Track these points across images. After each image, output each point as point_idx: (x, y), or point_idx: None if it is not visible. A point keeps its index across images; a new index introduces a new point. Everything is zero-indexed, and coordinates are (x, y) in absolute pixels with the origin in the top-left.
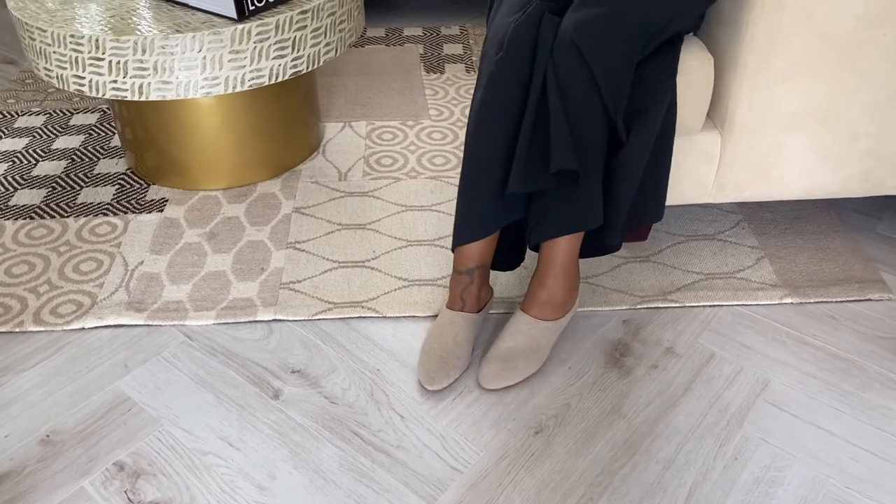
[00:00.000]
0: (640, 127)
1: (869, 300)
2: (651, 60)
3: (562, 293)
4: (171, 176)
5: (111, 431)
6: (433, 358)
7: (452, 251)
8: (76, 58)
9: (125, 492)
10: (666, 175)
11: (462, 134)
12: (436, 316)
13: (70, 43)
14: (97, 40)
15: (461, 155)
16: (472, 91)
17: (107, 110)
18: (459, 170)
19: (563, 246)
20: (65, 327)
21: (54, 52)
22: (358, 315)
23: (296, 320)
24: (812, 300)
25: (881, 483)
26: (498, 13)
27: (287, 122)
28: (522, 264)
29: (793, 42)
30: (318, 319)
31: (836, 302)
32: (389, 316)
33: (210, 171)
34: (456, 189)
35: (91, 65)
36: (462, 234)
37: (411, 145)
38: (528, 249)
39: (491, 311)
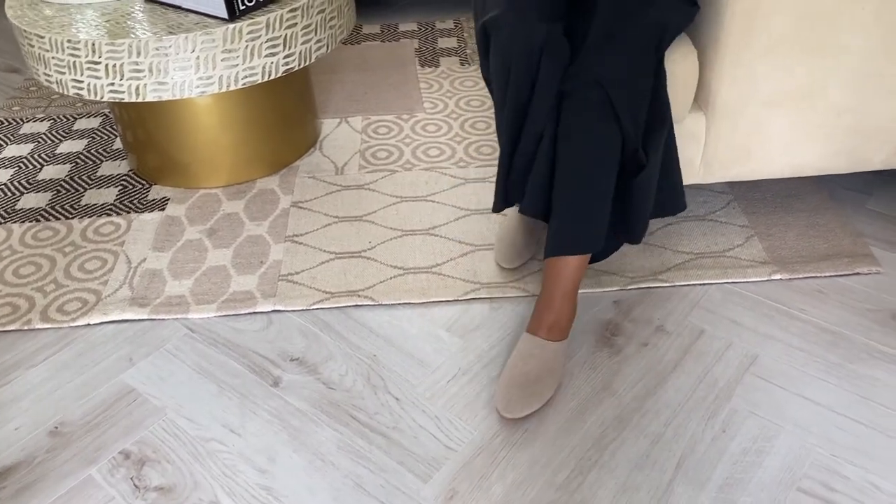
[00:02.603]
0: (656, 144)
1: (858, 274)
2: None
3: (567, 315)
4: (171, 175)
5: (117, 422)
6: (507, 244)
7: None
8: (74, 62)
9: (131, 478)
10: (677, 168)
11: (455, 125)
12: (437, 301)
13: (67, 48)
14: (93, 44)
15: (455, 146)
16: (466, 83)
17: (108, 114)
18: (452, 161)
19: (572, 269)
20: (71, 324)
21: (53, 58)
22: (354, 304)
23: (294, 310)
24: (801, 275)
25: (867, 451)
26: None
27: (283, 119)
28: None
29: (772, 19)
30: (316, 309)
31: (825, 277)
32: (385, 303)
33: (209, 170)
34: (449, 179)
35: (88, 68)
36: (495, 202)
37: (406, 138)
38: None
39: (473, 297)
